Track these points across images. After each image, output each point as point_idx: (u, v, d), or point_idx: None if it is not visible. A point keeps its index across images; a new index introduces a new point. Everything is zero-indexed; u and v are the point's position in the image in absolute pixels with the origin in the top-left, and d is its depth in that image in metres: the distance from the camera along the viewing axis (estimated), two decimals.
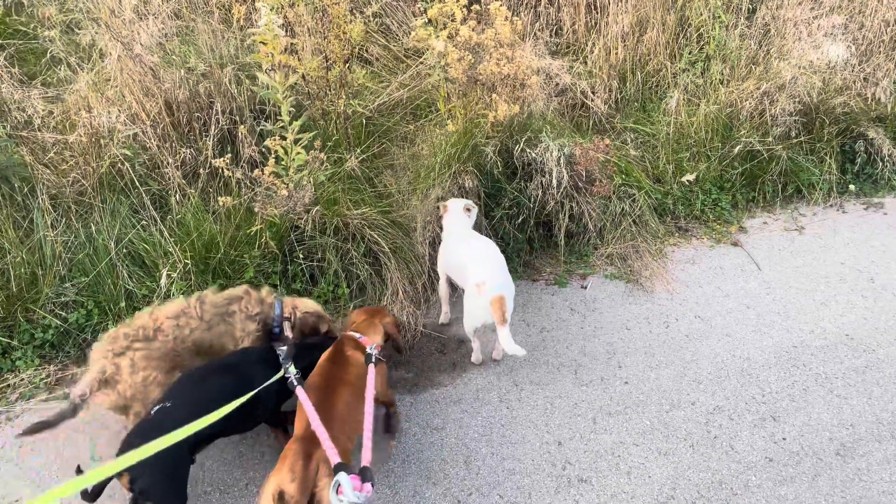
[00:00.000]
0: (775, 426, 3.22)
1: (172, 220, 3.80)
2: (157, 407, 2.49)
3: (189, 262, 3.62)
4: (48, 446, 3.04)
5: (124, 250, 3.68)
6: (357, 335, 2.95)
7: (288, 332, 3.06)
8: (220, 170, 3.61)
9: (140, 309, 3.57)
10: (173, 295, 3.56)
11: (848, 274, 4.27)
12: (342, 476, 1.73)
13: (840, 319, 3.89)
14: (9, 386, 3.33)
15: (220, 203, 3.55)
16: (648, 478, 2.97)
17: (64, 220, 3.71)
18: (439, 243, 3.83)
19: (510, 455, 3.06)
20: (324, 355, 2.85)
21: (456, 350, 3.65)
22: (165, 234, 3.68)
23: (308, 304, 3.27)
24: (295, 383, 2.59)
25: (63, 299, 3.55)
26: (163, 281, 3.56)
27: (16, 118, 3.91)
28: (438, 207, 3.89)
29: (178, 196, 3.84)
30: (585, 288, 4.14)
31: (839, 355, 3.64)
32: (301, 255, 3.85)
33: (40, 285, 3.53)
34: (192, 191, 3.93)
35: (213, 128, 4.03)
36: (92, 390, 2.65)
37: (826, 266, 4.35)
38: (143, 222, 3.76)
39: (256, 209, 3.61)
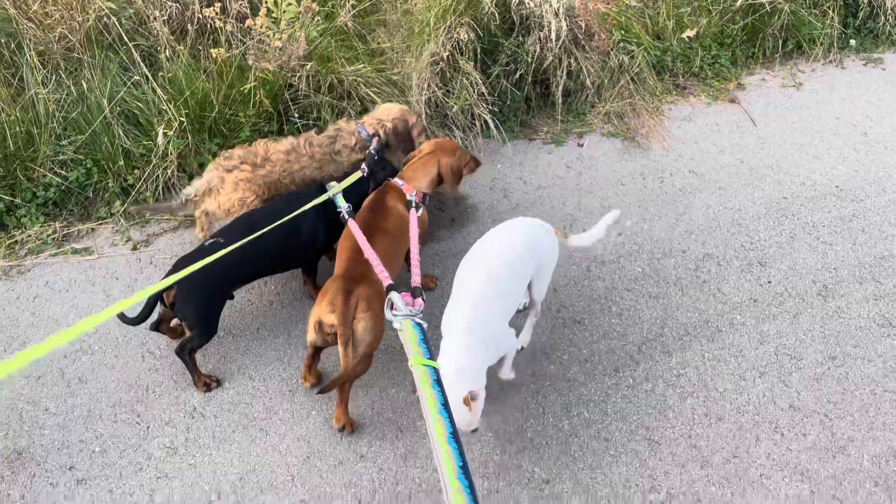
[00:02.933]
0: (761, 270, 3.36)
1: (164, 78, 3.73)
2: (211, 241, 2.66)
3: (185, 119, 3.59)
4: (62, 297, 3.16)
5: (118, 109, 3.64)
6: (400, 183, 2.95)
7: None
8: (210, 24, 3.51)
9: (138, 167, 3.63)
10: (171, 153, 3.57)
11: (842, 128, 4.30)
12: (394, 294, 1.85)
13: (831, 172, 3.96)
14: (17, 242, 3.40)
15: (213, 55, 3.48)
16: (639, 318, 3.14)
17: (54, 77, 3.65)
18: (435, 104, 3.82)
19: None
20: (366, 202, 2.93)
21: (454, 207, 3.72)
22: (158, 91, 3.63)
23: (388, 111, 3.32)
24: (346, 217, 2.73)
25: (62, 157, 3.55)
26: (159, 139, 3.55)
27: None
28: None
29: (167, 52, 3.75)
30: (582, 146, 4.16)
31: (827, 205, 3.73)
32: (296, 115, 3.82)
33: (37, 144, 3.52)
34: (182, 47, 3.83)
35: None
36: (198, 194, 3.00)
37: (821, 121, 4.36)
38: (135, 79, 3.70)
39: (251, 62, 3.54)
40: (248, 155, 2.99)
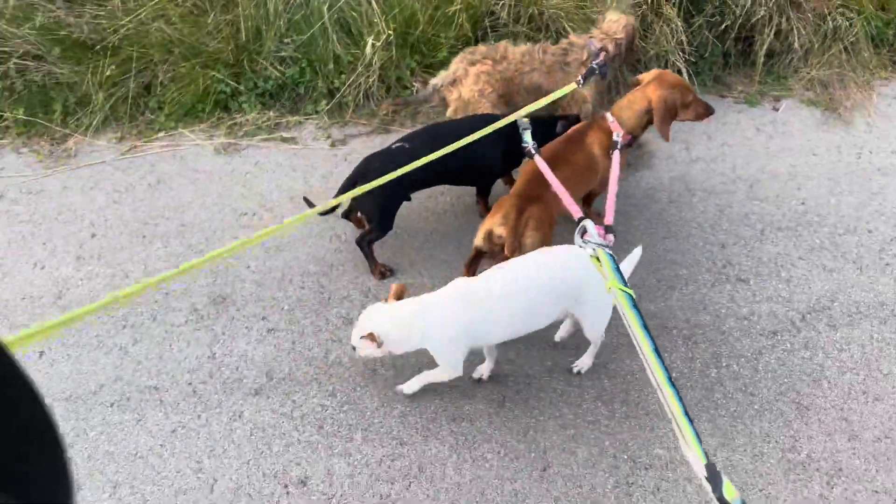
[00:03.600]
0: None
1: None
2: (398, 144, 2.90)
3: (392, 34, 3.85)
4: (269, 176, 3.57)
5: (335, 16, 3.96)
6: (611, 119, 2.87)
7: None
8: None
9: (345, 72, 3.95)
10: (374, 63, 3.85)
11: None
12: (588, 223, 1.92)
13: None
14: (236, 124, 3.86)
15: None
16: (808, 288, 3.06)
17: None
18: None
19: (672, 248, 3.22)
20: (568, 132, 2.99)
21: (631, 151, 3.74)
22: (373, 4, 3.90)
23: (616, 23, 3.37)
24: (533, 152, 2.77)
25: (282, 55, 3.94)
26: (367, 49, 3.84)
27: None
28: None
29: None
30: (777, 110, 3.99)
31: None
32: (492, 42, 3.97)
33: (264, 39, 3.93)
34: None
35: None
36: (444, 84, 3.26)
37: None
38: None
39: None
40: (490, 51, 3.23)
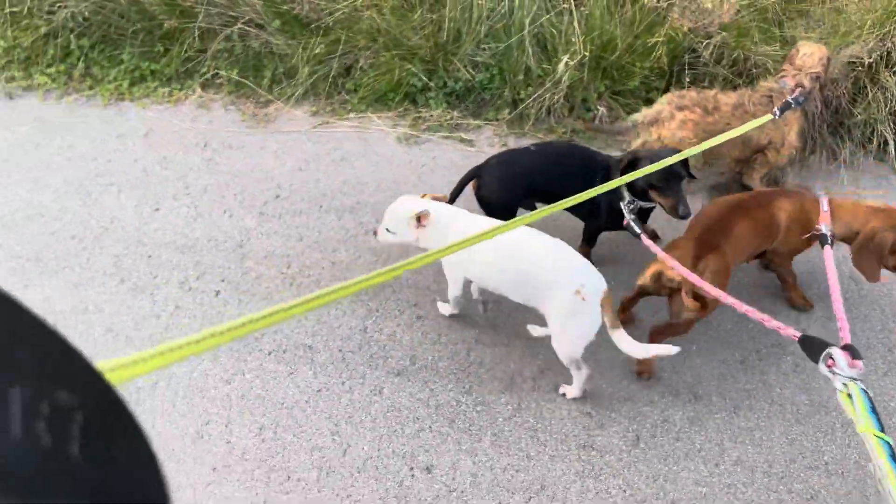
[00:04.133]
0: None
1: (581, 14, 4.04)
2: (525, 147, 2.97)
3: (587, 55, 3.88)
4: (442, 172, 3.70)
5: (535, 30, 4.05)
6: (825, 206, 2.62)
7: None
8: None
9: (532, 85, 4.02)
10: (564, 81, 3.89)
11: None
12: (836, 350, 1.60)
13: None
14: (421, 118, 4.03)
15: (646, 1, 3.67)
16: None
17: None
18: (835, 109, 3.59)
19: None
20: (758, 191, 2.89)
21: None
22: (575, 25, 3.95)
23: (811, 57, 3.18)
24: (636, 229, 2.57)
25: (476, 59, 4.08)
26: (560, 66, 3.88)
27: None
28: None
29: None
30: None
31: None
32: (688, 79, 3.89)
33: (463, 42, 4.08)
34: None
35: None
36: (645, 121, 3.17)
37: None
38: (562, 7, 4.05)
39: (675, 15, 3.67)
40: (701, 99, 3.08)
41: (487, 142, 3.92)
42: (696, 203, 3.45)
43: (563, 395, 2.66)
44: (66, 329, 2.41)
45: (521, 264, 2.43)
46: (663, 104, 3.11)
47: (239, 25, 4.19)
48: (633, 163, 2.62)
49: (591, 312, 2.35)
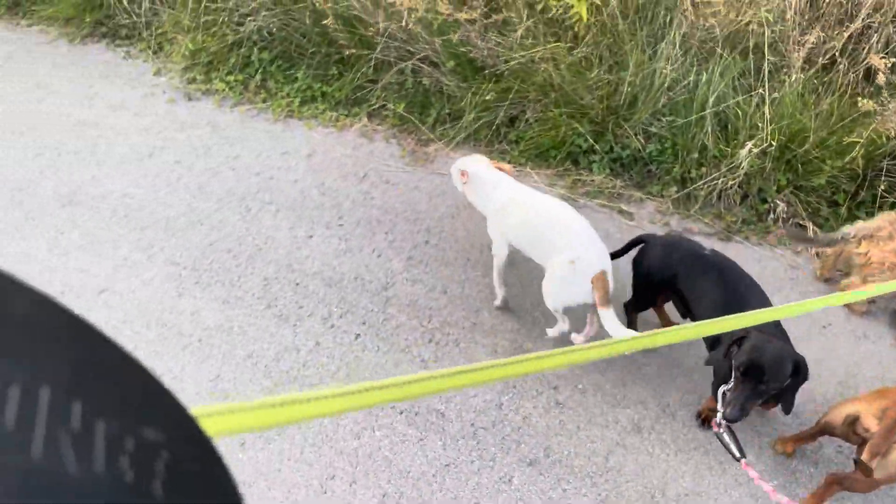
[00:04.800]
0: None
1: (772, 100, 3.77)
2: (702, 247, 2.73)
3: (773, 143, 3.60)
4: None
5: (719, 109, 3.81)
6: None
7: None
8: (872, 70, 3.38)
9: (706, 165, 3.79)
10: (742, 167, 3.63)
11: None
12: None
13: None
14: (581, 180, 3.88)
15: (860, 105, 3.37)
16: None
17: (684, 59, 3.95)
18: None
19: None
20: None
21: None
22: (765, 109, 3.68)
23: None
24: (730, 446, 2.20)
25: (650, 129, 3.89)
26: (741, 151, 3.63)
27: None
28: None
29: (795, 74, 3.75)
30: None
31: None
32: (882, 187, 3.54)
33: (637, 109, 3.90)
34: (804, 75, 3.80)
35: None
36: (857, 234, 3.00)
37: None
38: (750, 91, 3.80)
39: (882, 120, 3.35)
40: None
41: (648, 217, 3.71)
42: (880, 326, 3.11)
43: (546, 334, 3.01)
44: (209, 347, 2.42)
45: (540, 228, 2.84)
46: (883, 221, 2.86)
47: (414, 61, 4.20)
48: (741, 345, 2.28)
49: (579, 283, 2.70)
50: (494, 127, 4.08)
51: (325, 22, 4.11)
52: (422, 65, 4.23)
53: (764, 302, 2.47)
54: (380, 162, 3.96)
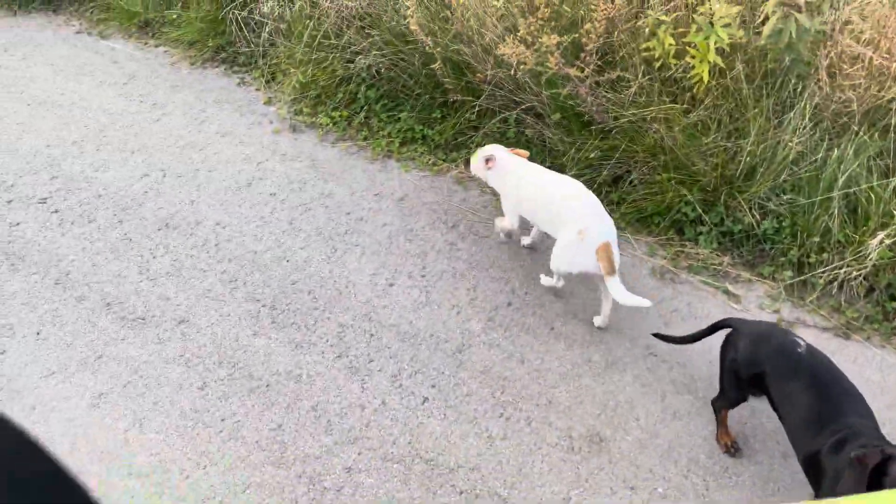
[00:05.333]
0: None
1: None
2: (797, 343, 2.45)
3: None
4: (698, 322, 3.24)
5: (849, 190, 3.45)
6: None
7: None
8: None
9: (828, 251, 3.42)
10: (870, 258, 3.25)
11: None
12: None
13: None
14: (684, 253, 3.60)
15: None
16: None
17: (813, 132, 3.61)
18: None
19: None
20: None
21: None
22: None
23: None
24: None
25: (767, 205, 3.57)
26: (871, 241, 3.25)
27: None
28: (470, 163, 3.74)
29: None
30: None
31: None
32: None
33: (755, 181, 3.59)
34: None
35: None
36: None
37: None
38: (892, 176, 3.41)
39: None
40: None
41: (757, 302, 3.38)
42: None
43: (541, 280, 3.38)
44: (276, 394, 2.34)
45: (552, 203, 3.19)
46: None
47: (518, 111, 4.07)
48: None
49: (584, 252, 2.98)
50: (596, 185, 3.87)
51: (433, 66, 4.05)
52: (526, 115, 4.09)
53: (862, 412, 2.23)
54: (472, 212, 3.84)
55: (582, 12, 3.96)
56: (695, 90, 3.77)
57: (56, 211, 3.71)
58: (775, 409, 2.44)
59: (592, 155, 3.85)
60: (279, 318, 3.21)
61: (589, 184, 3.86)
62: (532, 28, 3.63)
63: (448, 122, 4.27)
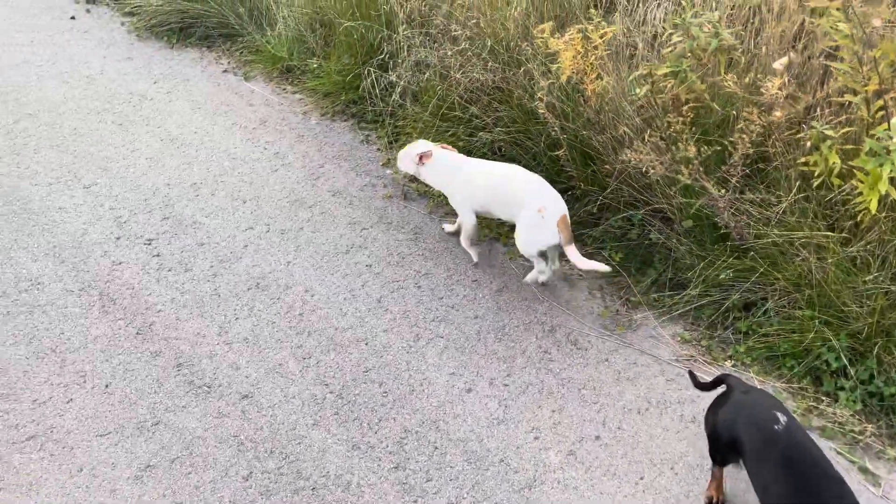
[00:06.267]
0: None
1: None
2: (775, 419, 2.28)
3: None
4: None
5: None
6: None
7: None
8: None
9: None
10: None
11: None
12: None
13: None
14: (818, 409, 3.02)
15: None
16: None
17: None
18: None
19: None
20: None
21: None
22: None
23: None
24: None
25: None
26: None
27: None
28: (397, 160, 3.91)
29: None
30: None
31: None
32: None
33: None
34: None
35: None
36: None
37: None
38: None
39: None
40: None
41: None
42: None
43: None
44: (320, 500, 2.05)
45: (506, 189, 3.44)
46: None
47: (645, 211, 3.67)
48: None
49: (547, 227, 3.29)
50: (723, 309, 3.38)
51: (557, 153, 3.75)
52: (653, 216, 3.68)
53: (842, 495, 2.11)
54: (575, 316, 3.47)
55: (733, 112, 3.52)
56: (859, 219, 3.21)
57: (158, 255, 3.75)
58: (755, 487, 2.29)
59: (724, 275, 3.36)
60: (343, 410, 2.99)
61: (716, 306, 3.41)
62: (670, 129, 3.23)
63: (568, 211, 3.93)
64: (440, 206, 4.18)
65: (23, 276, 3.59)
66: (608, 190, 3.73)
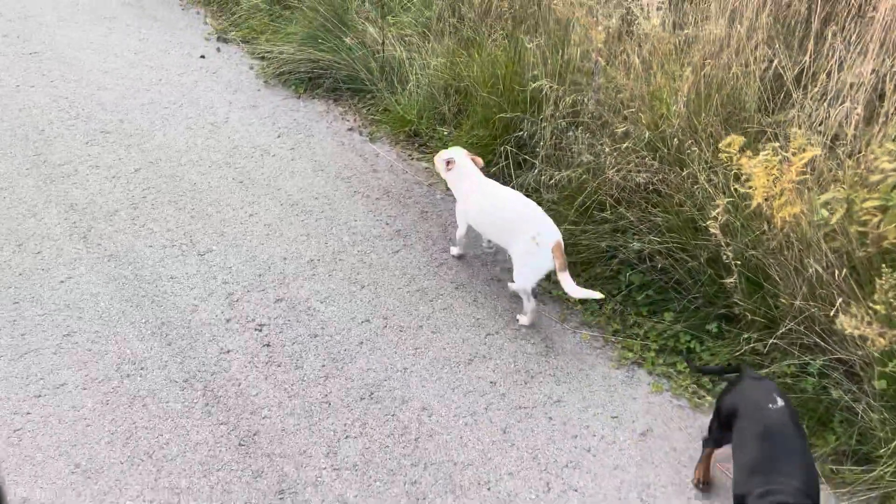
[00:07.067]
0: None
1: None
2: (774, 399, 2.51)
3: None
4: None
5: None
6: None
7: None
8: None
9: None
10: None
11: None
12: None
13: None
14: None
15: None
16: None
17: None
18: None
19: None
20: None
21: None
22: None
23: None
24: None
25: None
26: None
27: None
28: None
29: None
30: None
31: None
32: None
33: None
34: None
35: None
36: None
37: None
38: None
39: None
40: None
41: None
42: None
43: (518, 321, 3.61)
44: None
45: (502, 213, 3.60)
46: None
47: (825, 360, 3.10)
48: None
49: (543, 255, 3.37)
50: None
51: (725, 280, 3.24)
52: (835, 368, 3.10)
53: (794, 474, 2.29)
54: (659, 417, 2.93)
55: None
56: None
57: (268, 345, 3.46)
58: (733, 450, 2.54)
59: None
60: None
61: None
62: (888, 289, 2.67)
63: (726, 342, 3.41)
64: (574, 312, 3.73)
65: (126, 357, 3.36)
66: (782, 328, 3.18)
